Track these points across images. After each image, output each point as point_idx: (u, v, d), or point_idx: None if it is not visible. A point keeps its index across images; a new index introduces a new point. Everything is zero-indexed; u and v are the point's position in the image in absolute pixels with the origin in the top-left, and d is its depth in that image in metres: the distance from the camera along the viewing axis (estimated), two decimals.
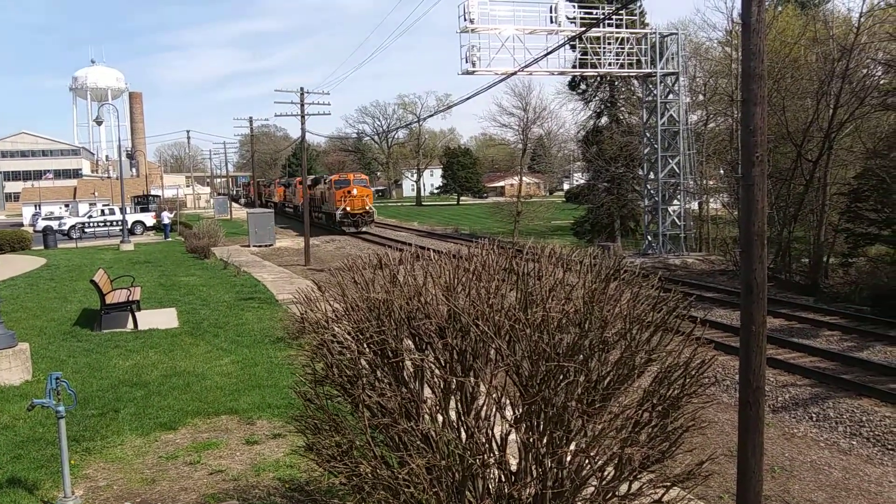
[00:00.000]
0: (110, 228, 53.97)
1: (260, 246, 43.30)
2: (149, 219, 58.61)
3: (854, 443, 11.67)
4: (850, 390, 13.50)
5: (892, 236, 26.31)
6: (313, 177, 66.92)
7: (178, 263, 32.67)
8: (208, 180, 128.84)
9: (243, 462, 8.70)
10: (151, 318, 18.03)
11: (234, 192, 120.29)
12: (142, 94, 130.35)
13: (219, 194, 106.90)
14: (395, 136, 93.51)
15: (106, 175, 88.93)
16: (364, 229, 53.38)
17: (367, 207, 53.81)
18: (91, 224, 55.13)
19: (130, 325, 17.10)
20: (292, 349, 13.70)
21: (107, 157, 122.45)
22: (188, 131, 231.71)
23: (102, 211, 56.91)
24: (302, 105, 36.78)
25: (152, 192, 79.48)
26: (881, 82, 31.44)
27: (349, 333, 5.85)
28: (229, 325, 17.12)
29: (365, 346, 5.66)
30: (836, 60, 31.07)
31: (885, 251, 28.48)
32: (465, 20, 31.26)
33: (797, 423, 12.62)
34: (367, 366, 5.69)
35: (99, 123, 47.92)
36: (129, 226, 50.41)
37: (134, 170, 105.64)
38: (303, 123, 37.05)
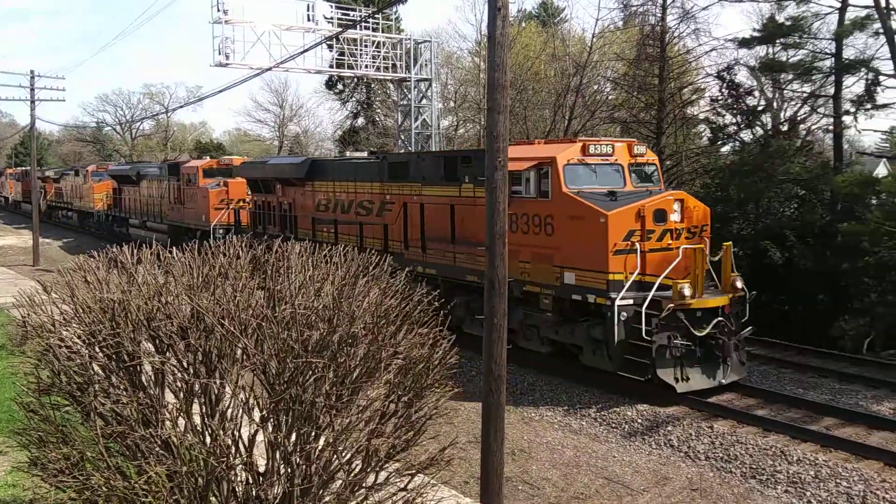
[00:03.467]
0: None
1: None
2: None
3: (584, 423, 12.80)
4: (579, 380, 14.78)
5: None
6: (425, 152, 26.98)
7: None
8: None
9: None
10: None
11: None
12: None
13: None
14: (141, 127, 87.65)
15: None
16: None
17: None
18: None
19: None
20: (15, 357, 12.38)
21: None
22: None
23: None
24: (32, 90, 33.51)
25: None
26: (609, 98, 34.81)
27: (79, 337, 5.43)
28: None
29: (97, 350, 5.28)
30: (571, 76, 33.93)
31: None
32: (219, 11, 30.13)
33: (534, 408, 13.61)
34: (100, 371, 5.31)
35: None
36: None
37: None
38: (32, 109, 33.74)
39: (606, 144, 14.38)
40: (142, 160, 56.76)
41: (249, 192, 26.89)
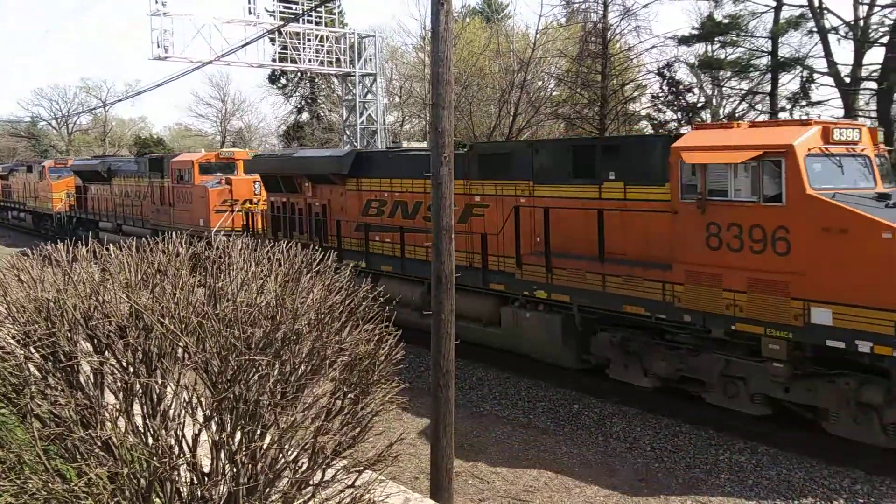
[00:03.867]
0: None
1: None
2: None
3: (532, 417, 12.91)
4: (527, 373, 14.91)
5: None
6: None
7: None
8: None
9: None
10: None
11: None
12: None
13: None
14: (78, 122, 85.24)
15: None
16: None
17: None
18: None
19: None
20: None
21: None
22: None
23: None
24: None
25: None
26: (553, 94, 35.14)
27: (14, 338, 5.26)
28: None
29: (33, 350, 5.12)
30: (515, 72, 34.14)
31: None
32: (157, 2, 29.56)
33: (483, 403, 13.66)
34: (36, 372, 5.16)
35: None
36: None
37: None
38: None
39: (853, 129, 10.57)
40: (104, 155, 53.44)
41: (257, 191, 23.39)
